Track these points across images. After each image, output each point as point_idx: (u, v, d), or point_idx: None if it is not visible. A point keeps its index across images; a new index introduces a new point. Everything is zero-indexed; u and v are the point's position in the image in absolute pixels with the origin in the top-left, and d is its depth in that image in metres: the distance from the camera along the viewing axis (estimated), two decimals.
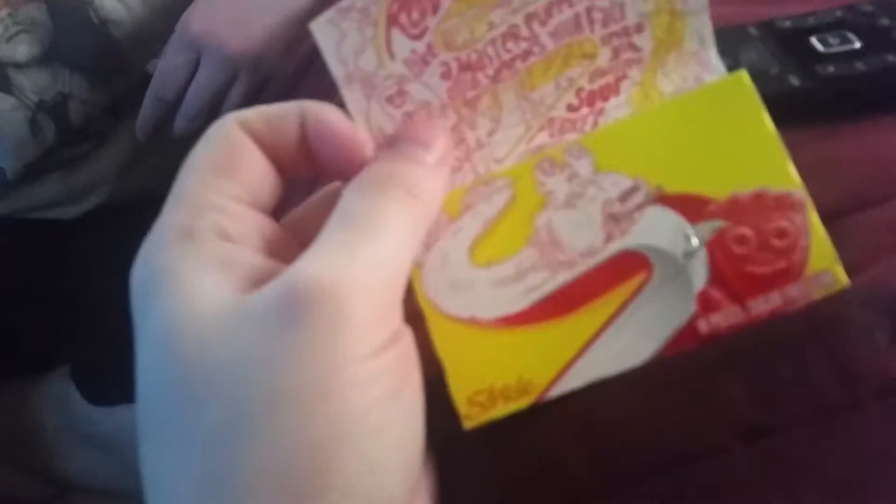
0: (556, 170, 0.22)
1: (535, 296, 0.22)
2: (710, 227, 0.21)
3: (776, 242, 0.21)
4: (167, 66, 0.59)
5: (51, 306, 0.68)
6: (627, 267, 0.22)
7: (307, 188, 0.26)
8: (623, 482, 0.21)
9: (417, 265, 0.23)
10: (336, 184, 0.24)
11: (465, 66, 0.23)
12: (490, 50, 0.23)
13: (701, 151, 0.22)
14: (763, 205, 0.21)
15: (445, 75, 0.23)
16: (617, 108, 0.23)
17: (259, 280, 0.19)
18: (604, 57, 0.23)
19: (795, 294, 0.21)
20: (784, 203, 0.21)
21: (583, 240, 0.22)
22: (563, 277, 0.22)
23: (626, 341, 0.21)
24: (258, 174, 0.22)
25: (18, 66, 0.59)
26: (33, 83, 0.60)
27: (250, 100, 0.61)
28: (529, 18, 0.22)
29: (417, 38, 0.22)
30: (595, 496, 0.22)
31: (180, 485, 0.18)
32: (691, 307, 0.21)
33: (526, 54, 0.23)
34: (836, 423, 0.19)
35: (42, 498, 0.71)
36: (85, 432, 0.70)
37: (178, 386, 0.18)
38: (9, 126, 0.60)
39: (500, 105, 0.23)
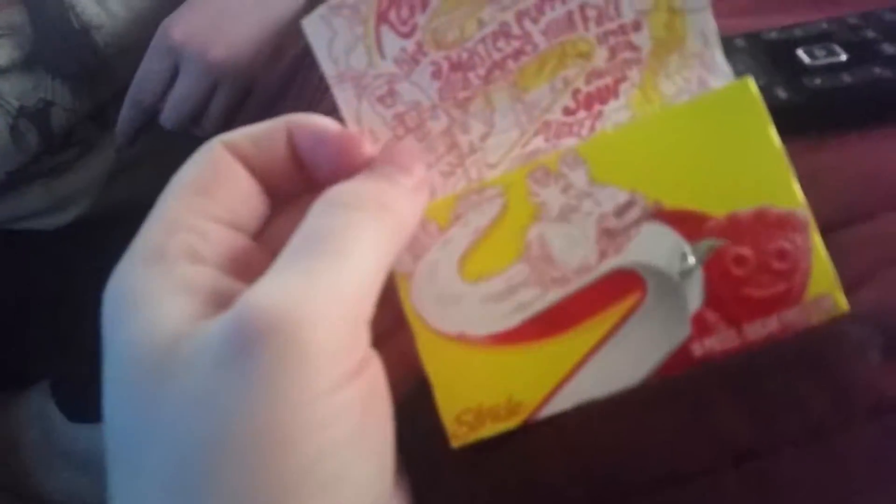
0: (550, 179, 0.22)
1: (526, 313, 0.21)
2: (708, 245, 0.20)
3: (776, 264, 0.20)
4: (146, 72, 0.58)
5: (31, 319, 0.67)
6: (621, 286, 0.21)
7: None
8: (613, 502, 0.21)
9: (406, 276, 0.22)
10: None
11: (456, 66, 0.22)
12: (481, 49, 0.22)
13: (701, 164, 0.21)
14: (764, 224, 0.20)
15: (436, 75, 0.22)
16: (616, 112, 0.22)
17: (228, 304, 0.18)
18: (600, 57, 0.22)
19: (794, 319, 0.20)
20: (786, 223, 0.20)
21: (576, 256, 0.21)
22: (555, 295, 0.21)
23: (617, 363, 0.21)
24: (241, 195, 0.21)
25: None
26: (14, 89, 0.59)
27: (233, 109, 0.60)
28: (520, 16, 0.22)
29: (407, 35, 0.22)
30: None
31: None
32: (686, 329, 0.20)
33: (518, 53, 0.22)
34: (827, 443, 0.19)
35: None
36: (63, 449, 0.68)
37: (134, 417, 0.17)
38: None
39: (492, 107, 0.22)
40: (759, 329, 0.20)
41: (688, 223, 0.20)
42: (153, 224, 0.20)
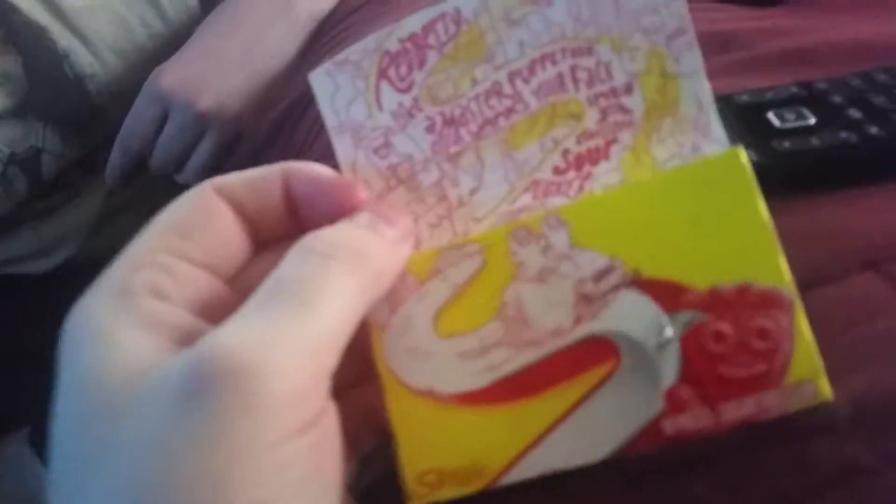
0: (531, 240, 0.21)
1: (497, 374, 0.21)
2: (686, 318, 0.20)
3: (757, 343, 0.19)
4: (135, 117, 0.59)
5: (13, 364, 0.66)
6: (595, 354, 0.20)
7: None
8: None
9: (380, 327, 0.22)
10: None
11: (449, 121, 0.23)
12: (473, 106, 0.22)
13: (685, 234, 0.20)
14: (746, 300, 0.19)
15: (430, 129, 0.23)
16: (607, 174, 0.22)
17: (191, 343, 0.18)
18: (591, 118, 0.22)
19: (771, 402, 0.19)
20: (770, 300, 0.19)
21: (552, 319, 0.21)
22: (527, 357, 0.21)
23: (586, 434, 0.20)
24: (221, 239, 0.21)
25: None
26: (5, 136, 0.59)
27: (220, 158, 0.61)
28: (512, 76, 0.22)
29: (404, 91, 0.23)
30: None
31: None
32: (658, 404, 0.19)
33: (509, 112, 0.22)
34: None
35: None
36: (40, 499, 0.67)
37: (84, 452, 0.17)
38: None
39: (483, 162, 0.23)
40: (735, 410, 0.19)
41: (667, 294, 0.20)
42: (123, 259, 0.20)
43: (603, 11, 0.21)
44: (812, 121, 0.28)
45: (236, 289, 0.22)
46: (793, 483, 0.19)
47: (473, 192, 0.23)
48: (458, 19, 0.22)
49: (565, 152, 0.22)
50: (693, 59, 0.21)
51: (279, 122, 0.57)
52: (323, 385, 0.18)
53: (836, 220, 0.25)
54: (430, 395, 0.21)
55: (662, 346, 0.20)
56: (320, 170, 0.22)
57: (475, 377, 0.21)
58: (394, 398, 0.21)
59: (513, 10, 0.22)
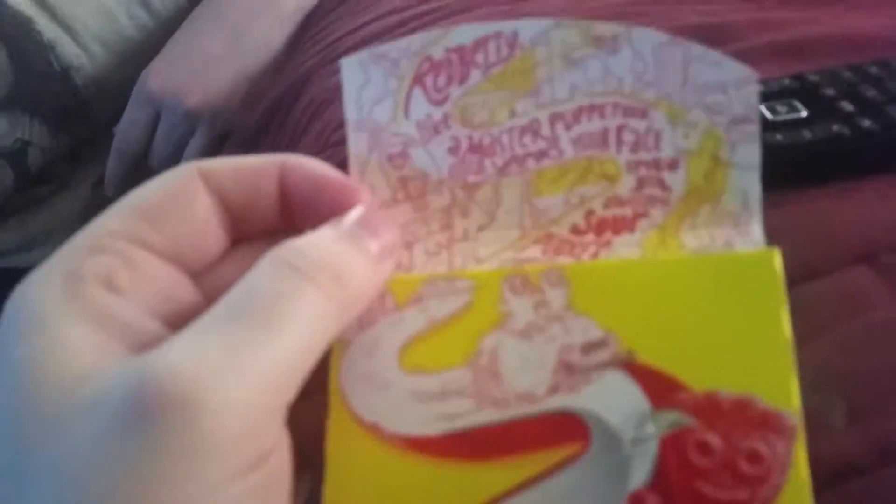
0: (527, 291, 0.20)
1: (452, 426, 0.19)
2: (673, 419, 0.18)
3: (745, 466, 0.17)
4: (128, 122, 0.60)
5: None
6: (563, 431, 0.18)
7: None
8: None
9: (344, 344, 0.20)
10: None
11: (476, 148, 0.21)
12: (505, 139, 0.21)
13: (694, 326, 0.18)
14: (744, 416, 0.17)
15: (453, 151, 0.21)
16: (626, 247, 0.20)
17: (143, 346, 0.16)
18: (626, 185, 0.20)
19: None
20: (770, 423, 0.17)
21: (525, 381, 0.19)
22: (488, 416, 0.19)
23: None
24: (195, 230, 0.19)
25: None
26: None
27: (211, 152, 0.61)
28: (554, 118, 0.20)
29: (437, 103, 0.21)
30: None
31: None
32: None
33: (541, 155, 0.21)
34: None
35: None
36: None
37: (17, 454, 0.16)
38: None
39: (499, 200, 0.21)
40: None
41: (659, 386, 0.18)
42: (79, 239, 0.18)
43: (669, 76, 0.20)
44: (804, 113, 0.28)
45: (203, 285, 0.20)
46: None
47: (482, 228, 0.21)
48: (513, 43, 0.21)
49: (589, 213, 0.21)
50: (751, 152, 0.20)
51: (269, 115, 0.57)
52: (277, 419, 0.16)
53: (829, 213, 0.25)
54: (375, 429, 0.19)
55: (639, 442, 0.18)
56: (324, 168, 0.20)
57: (427, 423, 0.19)
58: (335, 424, 0.19)
59: (574, 49, 0.20)
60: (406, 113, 0.21)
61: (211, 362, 0.15)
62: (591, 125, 0.20)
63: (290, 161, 0.20)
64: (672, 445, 0.17)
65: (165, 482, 0.14)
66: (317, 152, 0.45)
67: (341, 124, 0.26)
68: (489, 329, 0.19)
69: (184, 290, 0.19)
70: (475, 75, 0.21)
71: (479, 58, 0.21)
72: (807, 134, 0.27)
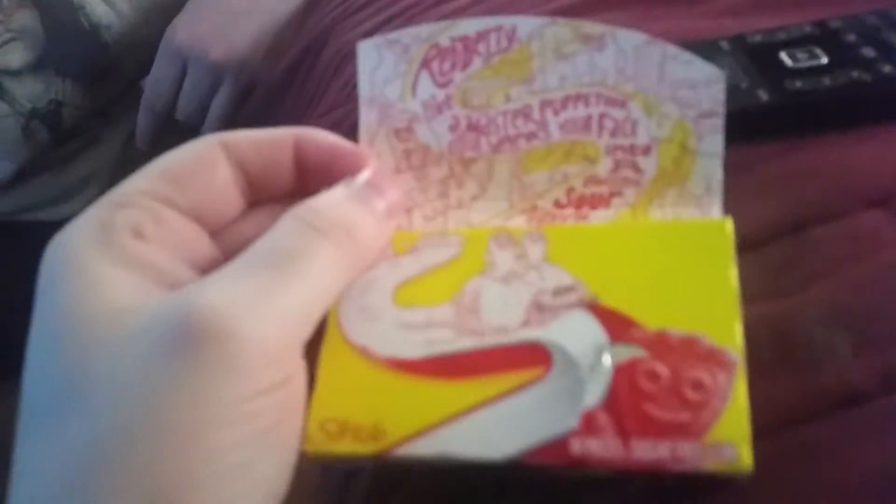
0: (510, 246, 0.22)
1: (432, 350, 0.21)
2: (627, 350, 0.20)
3: (688, 393, 0.19)
4: (156, 77, 0.61)
5: (26, 311, 0.68)
6: (529, 357, 0.20)
7: None
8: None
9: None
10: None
11: (473, 127, 0.24)
12: (500, 120, 0.23)
13: (652, 277, 0.20)
14: (691, 351, 0.19)
15: (453, 128, 0.24)
16: (601, 222, 0.23)
17: (172, 286, 0.19)
18: (603, 166, 0.23)
19: (687, 454, 0.18)
20: (714, 357, 0.19)
21: (501, 316, 0.21)
22: (466, 343, 0.21)
23: (493, 430, 0.20)
24: (213, 193, 0.22)
25: (11, 73, 0.59)
26: (26, 91, 0.60)
27: (236, 105, 0.62)
28: (544, 105, 0.23)
29: (441, 86, 0.24)
30: None
31: (43, 487, 0.17)
32: (573, 422, 0.19)
33: (531, 136, 0.23)
34: (795, 434, 0.20)
35: None
36: None
37: (61, 383, 0.18)
38: (2, 131, 0.60)
39: (491, 174, 0.24)
40: (648, 451, 0.18)
41: (616, 324, 0.20)
42: (109, 197, 0.20)
43: (646, 72, 0.22)
44: (824, 60, 0.28)
45: (221, 242, 0.22)
46: (796, 410, 0.20)
47: (475, 198, 0.24)
48: (512, 37, 0.23)
49: (570, 190, 0.23)
50: (715, 143, 0.22)
51: (292, 69, 0.57)
52: (296, 352, 0.19)
53: (845, 158, 0.25)
54: (363, 351, 0.22)
55: (595, 368, 0.20)
56: (336, 139, 0.22)
57: (412, 347, 0.21)
58: (329, 345, 0.22)
59: (565, 44, 0.23)
60: (413, 93, 0.24)
61: (244, 301, 0.18)
62: (577, 112, 0.23)
63: (305, 133, 0.22)
64: (625, 373, 0.19)
65: (206, 394, 0.17)
66: (340, 105, 0.46)
67: None
68: (473, 274, 0.22)
69: (203, 244, 0.22)
70: (477, 63, 0.23)
71: (481, 47, 0.24)
72: (826, 80, 0.27)
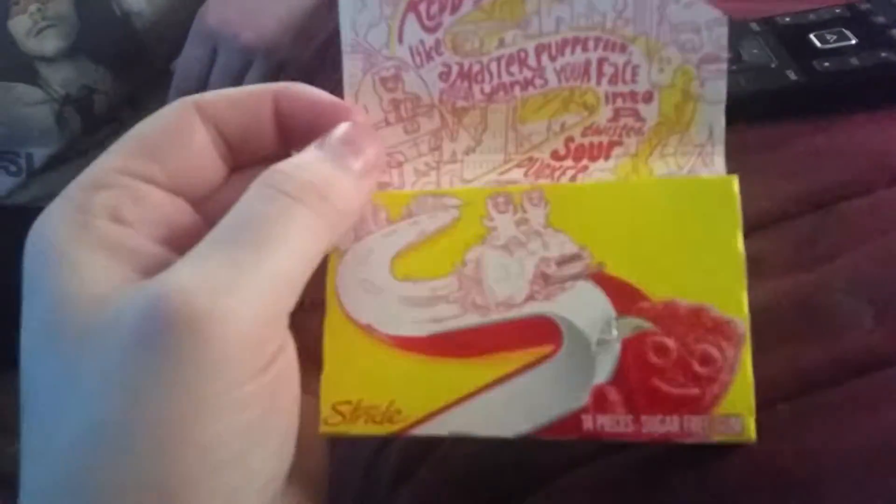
0: (509, 209, 0.22)
1: (438, 328, 0.21)
2: (635, 324, 0.20)
3: (697, 367, 0.20)
4: (186, 59, 0.62)
5: None
6: (538, 333, 0.21)
7: None
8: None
9: (340, 253, 0.22)
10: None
11: (465, 75, 0.23)
12: (493, 67, 0.23)
13: (658, 243, 0.21)
14: (698, 322, 0.20)
15: (444, 76, 0.23)
16: (601, 172, 0.22)
17: (152, 270, 0.18)
18: (603, 115, 0.22)
19: (695, 428, 0.19)
20: (722, 329, 0.20)
21: (505, 289, 0.21)
22: (472, 319, 0.21)
23: (507, 408, 0.21)
24: (194, 162, 0.21)
25: (46, 59, 0.61)
26: (60, 77, 0.63)
27: None
28: (540, 49, 0.22)
29: (430, 30, 0.23)
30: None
31: (40, 486, 0.17)
32: (583, 398, 0.20)
33: (526, 83, 0.23)
34: (819, 396, 0.21)
35: None
36: None
37: (55, 376, 0.18)
38: (36, 117, 0.63)
39: (486, 125, 0.23)
40: (657, 425, 0.20)
41: (623, 296, 0.20)
42: (84, 177, 0.20)
43: (646, 14, 0.22)
44: (853, 41, 0.30)
45: (204, 211, 0.22)
46: (820, 375, 0.22)
47: (469, 151, 0.23)
48: None
49: (569, 140, 0.23)
50: (718, 88, 0.22)
51: (322, 52, 0.59)
52: (280, 325, 0.19)
53: (872, 137, 0.27)
54: (368, 329, 0.22)
55: (603, 343, 0.20)
56: (317, 92, 0.22)
57: (417, 325, 0.21)
58: (332, 324, 0.22)
59: None
60: (399, 38, 0.23)
61: (214, 281, 0.17)
62: (575, 57, 0.22)
63: (284, 88, 0.22)
64: (633, 347, 0.20)
65: (183, 389, 0.16)
66: None
67: None
68: (474, 242, 0.22)
69: (186, 217, 0.21)
70: (467, 4, 0.22)
71: None
72: (854, 61, 0.29)
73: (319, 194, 0.19)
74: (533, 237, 0.22)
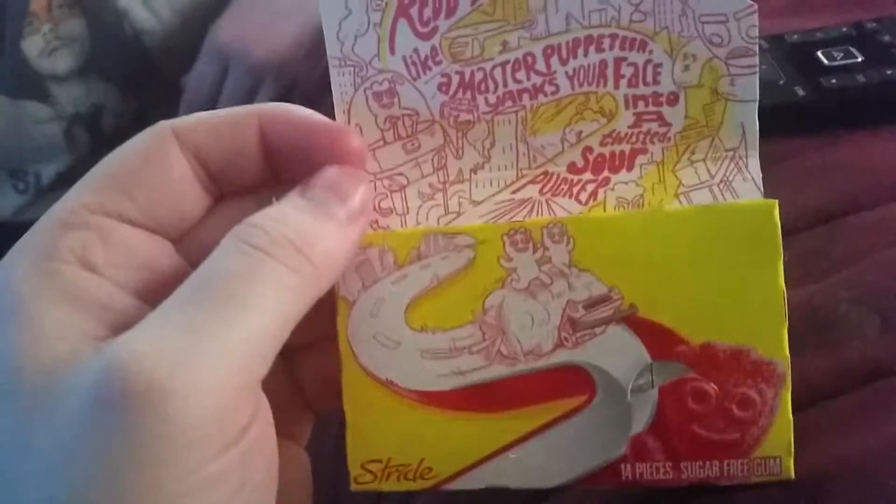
0: (529, 247, 0.21)
1: (463, 381, 0.21)
2: (672, 369, 0.20)
3: (736, 411, 0.20)
4: (198, 73, 0.64)
5: None
6: (570, 383, 0.20)
7: None
8: None
9: (348, 303, 0.21)
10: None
11: (467, 84, 0.21)
12: (497, 74, 0.21)
13: (693, 280, 0.20)
14: (738, 365, 0.20)
15: (443, 88, 0.21)
16: (625, 185, 0.21)
17: (122, 325, 0.17)
18: (623, 121, 0.21)
19: (735, 471, 0.20)
20: (762, 371, 0.20)
21: (532, 338, 0.20)
22: (498, 371, 0.21)
23: (542, 460, 0.20)
24: (170, 193, 0.20)
25: (57, 78, 0.63)
26: (70, 95, 0.65)
27: None
28: (549, 52, 0.21)
29: (424, 37, 0.21)
30: None
31: None
32: (622, 448, 0.20)
33: (536, 90, 0.21)
34: (823, 406, 0.22)
35: None
36: None
37: (12, 438, 0.16)
38: (45, 135, 0.65)
39: (493, 139, 0.21)
40: (697, 470, 0.20)
41: (659, 340, 0.20)
42: (53, 215, 0.18)
43: (667, 5, 0.20)
44: (860, 59, 0.31)
45: (186, 250, 0.20)
46: (824, 384, 0.23)
47: (477, 169, 0.22)
48: None
49: (587, 150, 0.21)
50: (750, 86, 0.20)
51: None
52: (251, 394, 0.17)
53: (876, 152, 0.28)
54: (389, 385, 0.21)
55: (640, 391, 0.20)
56: (306, 113, 0.21)
57: (440, 378, 0.21)
58: (350, 380, 0.21)
59: None
60: (391, 48, 0.21)
61: (174, 348, 0.16)
62: (588, 59, 0.21)
63: (269, 110, 0.20)
64: (670, 393, 0.20)
65: (138, 469, 0.15)
66: None
67: None
68: (493, 286, 0.21)
69: (164, 259, 0.20)
70: (464, 5, 0.21)
71: None
72: (860, 78, 0.30)
73: (296, 248, 0.18)
74: (557, 278, 0.20)
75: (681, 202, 0.21)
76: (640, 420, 0.20)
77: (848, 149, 0.29)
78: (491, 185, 0.22)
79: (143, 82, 0.69)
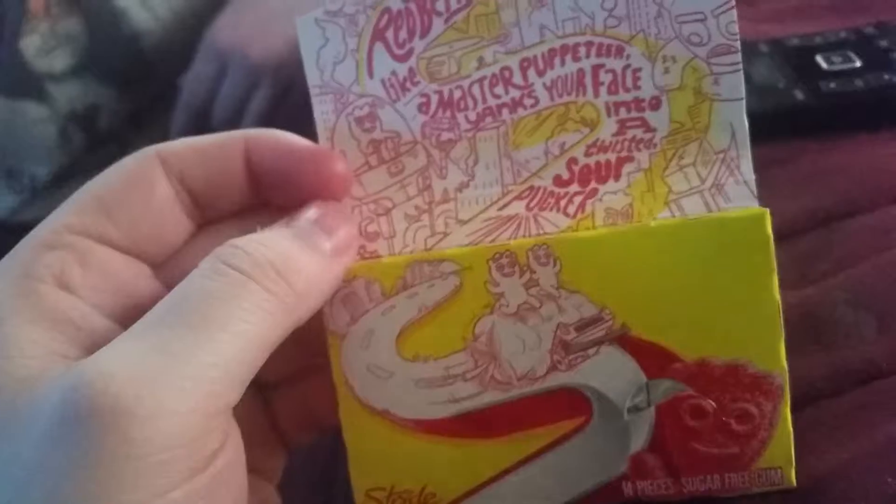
0: (515, 271, 0.21)
1: (459, 408, 0.21)
2: (668, 387, 0.20)
3: (735, 426, 0.20)
4: (196, 74, 0.65)
5: None
6: (566, 406, 0.21)
7: None
8: None
9: (338, 336, 0.21)
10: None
11: (446, 103, 0.21)
12: (476, 90, 0.21)
13: (686, 296, 0.20)
14: (735, 380, 0.20)
15: (423, 108, 0.22)
16: (613, 195, 0.21)
17: (95, 346, 0.17)
18: (607, 129, 0.21)
19: (736, 483, 0.20)
20: (759, 385, 0.20)
21: (525, 362, 0.21)
22: (493, 397, 0.21)
23: (543, 483, 0.21)
24: (153, 218, 0.20)
25: (54, 77, 0.64)
26: (66, 94, 0.66)
27: (273, 107, 0.66)
28: (526, 64, 0.21)
29: (400, 59, 0.21)
30: None
31: None
32: (622, 467, 0.20)
33: (515, 104, 0.21)
34: (820, 407, 0.23)
35: None
36: None
37: None
38: (41, 135, 0.66)
39: (476, 156, 0.22)
40: (699, 484, 0.20)
41: (653, 358, 0.20)
42: (35, 235, 0.19)
43: (642, 8, 0.20)
44: (858, 64, 0.32)
45: (165, 276, 0.21)
46: (822, 385, 0.24)
47: (461, 188, 0.22)
48: None
49: (571, 162, 0.21)
50: (735, 84, 0.20)
51: None
52: (221, 420, 0.17)
53: (875, 157, 0.29)
54: (385, 415, 0.21)
55: (637, 410, 0.20)
56: (292, 139, 0.21)
57: (435, 407, 0.21)
58: (348, 412, 0.22)
59: None
60: (370, 72, 0.22)
61: (143, 368, 0.16)
62: (566, 68, 0.21)
63: (256, 135, 0.21)
64: (668, 411, 0.20)
65: (100, 489, 0.15)
66: None
67: None
68: (482, 312, 0.21)
69: (142, 282, 0.20)
70: (437, 25, 0.21)
71: (440, 5, 0.21)
72: (859, 83, 0.31)
73: (277, 272, 0.18)
74: (546, 301, 0.21)
75: (671, 210, 0.21)
76: (639, 439, 0.20)
77: (846, 152, 0.29)
78: (477, 202, 0.22)
79: (140, 82, 0.70)
